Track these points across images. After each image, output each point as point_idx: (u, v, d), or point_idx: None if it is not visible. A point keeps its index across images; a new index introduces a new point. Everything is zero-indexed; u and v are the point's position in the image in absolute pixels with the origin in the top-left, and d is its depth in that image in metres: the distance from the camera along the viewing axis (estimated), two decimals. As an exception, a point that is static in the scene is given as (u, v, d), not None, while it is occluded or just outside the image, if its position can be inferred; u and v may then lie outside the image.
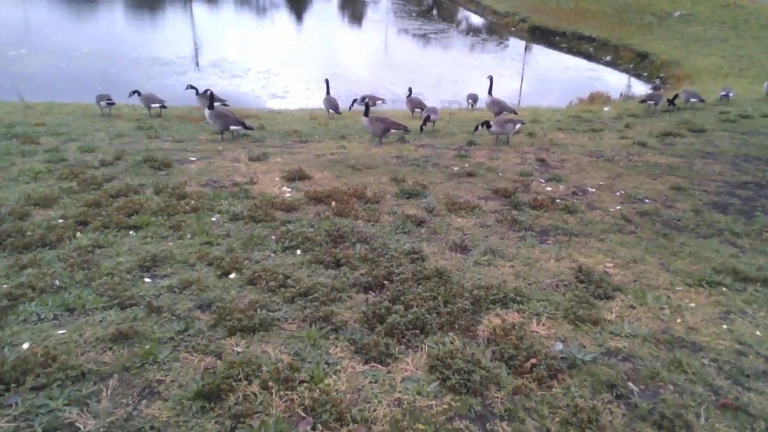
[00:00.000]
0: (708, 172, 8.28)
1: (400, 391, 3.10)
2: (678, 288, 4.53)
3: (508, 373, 3.29)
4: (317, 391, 3.01)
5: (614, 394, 3.16)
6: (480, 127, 9.72)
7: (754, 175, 8.20)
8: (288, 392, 3.01)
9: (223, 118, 9.25)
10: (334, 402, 2.91)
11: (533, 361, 3.34)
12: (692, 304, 4.28)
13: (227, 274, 4.35)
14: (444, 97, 17.58)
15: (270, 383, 3.04)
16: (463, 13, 43.43)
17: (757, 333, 3.92)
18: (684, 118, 12.49)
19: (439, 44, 30.63)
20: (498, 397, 3.09)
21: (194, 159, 7.88)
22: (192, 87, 12.14)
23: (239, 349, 3.40)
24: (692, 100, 13.73)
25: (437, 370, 3.26)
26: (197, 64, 22.27)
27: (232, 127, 9.32)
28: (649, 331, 3.84)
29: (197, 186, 6.60)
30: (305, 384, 3.08)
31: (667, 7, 30.61)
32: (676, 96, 13.71)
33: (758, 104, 14.02)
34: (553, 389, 3.17)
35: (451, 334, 3.67)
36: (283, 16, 38.74)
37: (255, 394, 2.98)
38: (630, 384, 3.25)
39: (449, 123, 12.16)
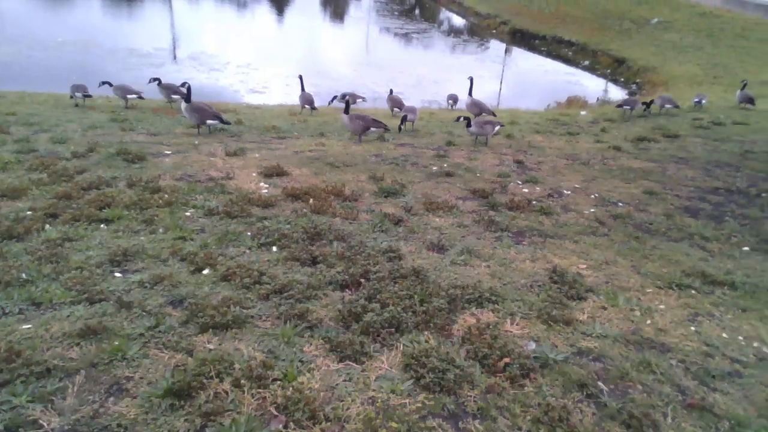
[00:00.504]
0: (680, 177, 8.45)
1: (374, 390, 3.10)
2: (648, 290, 4.62)
3: (482, 372, 3.32)
4: (290, 389, 2.99)
5: (584, 393, 3.20)
6: (462, 119, 9.81)
7: (725, 180, 8.40)
8: (260, 390, 2.98)
9: (200, 112, 9.12)
10: (307, 400, 2.89)
11: (506, 360, 3.37)
12: (662, 306, 4.36)
13: (200, 269, 4.29)
14: (425, 97, 17.63)
15: (242, 381, 3.01)
16: (445, 14, 43.60)
17: (724, 335, 4.02)
18: (659, 124, 12.73)
19: (421, 44, 30.70)
20: (471, 396, 3.10)
21: (169, 152, 7.76)
22: (155, 79, 11.87)
23: (211, 347, 3.36)
24: (667, 106, 14.01)
25: (412, 368, 3.26)
26: (175, 56, 21.94)
27: (209, 122, 9.19)
28: (619, 331, 3.90)
29: (171, 180, 6.49)
30: (278, 382, 3.05)
31: (646, 13, 31.12)
32: (651, 102, 13.96)
33: (730, 112, 14.37)
34: (526, 388, 3.20)
35: (426, 333, 3.67)
36: (264, 11, 38.40)
37: (226, 392, 2.94)
38: (600, 383, 3.30)
39: (429, 123, 12.20)
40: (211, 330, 3.50)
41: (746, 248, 5.77)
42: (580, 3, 35.40)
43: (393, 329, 3.67)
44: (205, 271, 4.27)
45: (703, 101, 14.71)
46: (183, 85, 10.00)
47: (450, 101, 15.13)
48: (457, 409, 3.01)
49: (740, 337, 4.00)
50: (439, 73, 22.38)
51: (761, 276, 5.06)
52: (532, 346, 3.62)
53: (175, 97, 11.77)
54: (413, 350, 3.41)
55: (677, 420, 3.06)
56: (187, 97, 9.22)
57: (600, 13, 32.66)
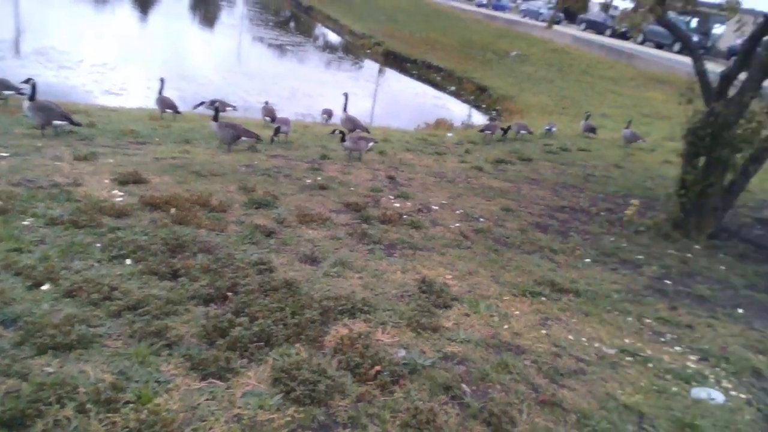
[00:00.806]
0: (533, 197, 9.24)
1: (239, 407, 2.94)
2: (506, 297, 4.96)
3: (353, 381, 3.31)
4: (145, 411, 2.73)
5: (450, 395, 3.33)
6: (336, 133, 9.97)
7: (570, 200, 9.33)
8: (110, 415, 2.68)
9: (46, 112, 8.17)
10: (164, 422, 2.66)
11: (377, 368, 3.40)
12: (517, 312, 4.70)
13: (39, 285, 3.79)
14: (298, 110, 17.49)
15: (88, 406, 2.69)
16: (321, 30, 43.93)
17: (570, 337, 4.42)
18: (515, 148, 13.84)
19: (295, 57, 30.58)
20: (342, 406, 3.07)
21: (6, 155, 6.83)
22: None
23: (51, 370, 2.96)
24: (522, 132, 15.30)
25: (282, 382, 3.16)
26: (18, 50, 19.55)
27: (56, 122, 8.27)
28: (480, 336, 4.13)
29: (7, 185, 5.71)
30: (131, 405, 2.77)
31: (506, 46, 33.85)
32: (509, 128, 15.17)
33: (576, 139, 16.05)
34: (395, 394, 3.25)
35: (297, 345, 3.59)
36: (125, 10, 35.74)
37: (69, 419, 2.61)
38: (463, 385, 3.45)
39: (303, 136, 12.12)
40: (50, 351, 3.09)
41: (588, 260, 6.43)
42: (448, 32, 37.71)
43: (262, 343, 3.53)
44: (45, 287, 3.78)
45: (553, 129, 16.28)
46: (27, 81, 8.91)
47: (324, 116, 15.20)
48: (328, 420, 2.96)
49: (583, 339, 4.43)
50: (314, 87, 22.42)
51: (600, 284, 5.68)
52: (402, 353, 3.70)
53: (7, 93, 10.36)
54: (283, 364, 3.30)
55: (531, 415, 3.29)
56: (32, 95, 8.22)
57: (466, 43, 35.01)
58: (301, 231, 5.81)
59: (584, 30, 42.16)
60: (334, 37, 41.48)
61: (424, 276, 5.04)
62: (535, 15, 45.55)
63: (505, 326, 4.39)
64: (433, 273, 5.23)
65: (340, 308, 4.16)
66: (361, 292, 4.52)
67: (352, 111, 12.80)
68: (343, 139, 9.74)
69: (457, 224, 7.01)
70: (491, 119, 19.94)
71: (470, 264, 5.65)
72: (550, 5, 38.20)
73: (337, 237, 5.79)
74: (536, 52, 32.17)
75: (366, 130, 12.23)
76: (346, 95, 12.42)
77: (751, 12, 9.50)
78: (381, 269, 5.12)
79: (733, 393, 3.96)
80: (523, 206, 8.47)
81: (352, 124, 11.98)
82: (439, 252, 5.88)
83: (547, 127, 16.25)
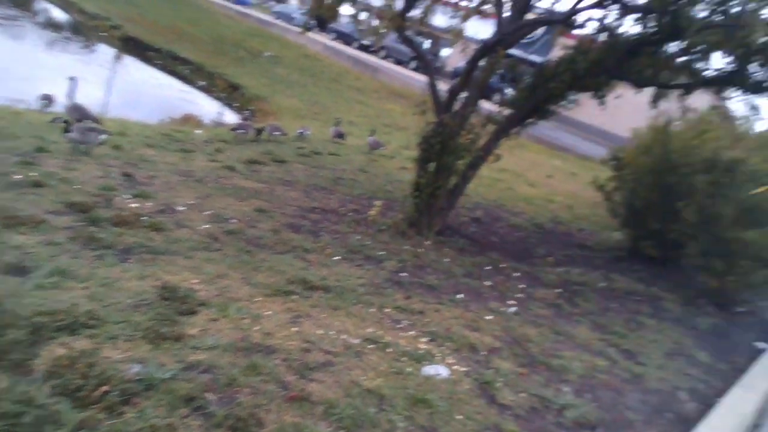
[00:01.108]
0: (286, 198, 9.32)
1: None
2: (258, 299, 4.85)
3: (72, 408, 2.82)
4: None
5: (192, 407, 3.09)
6: (61, 122, 8.55)
7: (321, 201, 9.68)
8: None
9: None
10: None
11: (104, 388, 2.97)
12: (269, 312, 4.63)
13: None
14: (8, 94, 14.49)
15: None
16: (42, 4, 37.42)
17: (320, 331, 4.53)
18: (268, 149, 13.82)
19: (8, 33, 25.42)
20: (55, 441, 2.56)
21: None
22: None
23: None
24: (275, 133, 15.37)
25: (-33, 424, 2.49)
26: None
27: None
28: (229, 341, 3.94)
29: None
30: None
31: (259, 46, 33.58)
32: (262, 128, 15.11)
33: (326, 144, 16.78)
34: (126, 414, 2.87)
35: (-6, 374, 2.89)
36: None
37: None
38: (208, 394, 3.24)
39: (13, 124, 10.05)
40: None
41: (337, 257, 6.72)
42: (197, 23, 35.79)
43: (-63, 379, 2.75)
44: None
45: (306, 132, 16.73)
46: None
47: (44, 101, 12.94)
48: (34, 461, 2.43)
49: (332, 332, 4.59)
50: (30, 69, 18.91)
51: (348, 280, 5.98)
52: (136, 368, 3.29)
53: None
54: (-29, 400, 2.62)
55: (280, 414, 3.25)
56: None
57: (217, 38, 33.66)
58: (5, 237, 4.76)
59: (334, 39, 44.40)
60: (59, 14, 35.76)
61: (165, 282, 4.61)
62: (288, 18, 46.25)
63: (256, 328, 4.28)
64: (177, 278, 4.82)
65: (57, 325, 3.52)
66: (86, 304, 3.90)
67: (82, 99, 11.19)
68: (67, 130, 8.39)
69: (206, 226, 6.62)
70: (244, 119, 19.61)
71: (220, 267, 5.38)
72: (303, 11, 39.44)
73: (55, 242, 4.91)
74: (289, 56, 32.78)
75: (97, 120, 10.77)
76: (73, 80, 10.80)
77: (473, 39, 11.16)
78: (113, 277, 4.51)
79: (455, 367, 4.56)
80: (276, 207, 8.46)
81: (79, 113, 10.42)
82: (185, 256, 5.46)
83: (300, 131, 16.66)
